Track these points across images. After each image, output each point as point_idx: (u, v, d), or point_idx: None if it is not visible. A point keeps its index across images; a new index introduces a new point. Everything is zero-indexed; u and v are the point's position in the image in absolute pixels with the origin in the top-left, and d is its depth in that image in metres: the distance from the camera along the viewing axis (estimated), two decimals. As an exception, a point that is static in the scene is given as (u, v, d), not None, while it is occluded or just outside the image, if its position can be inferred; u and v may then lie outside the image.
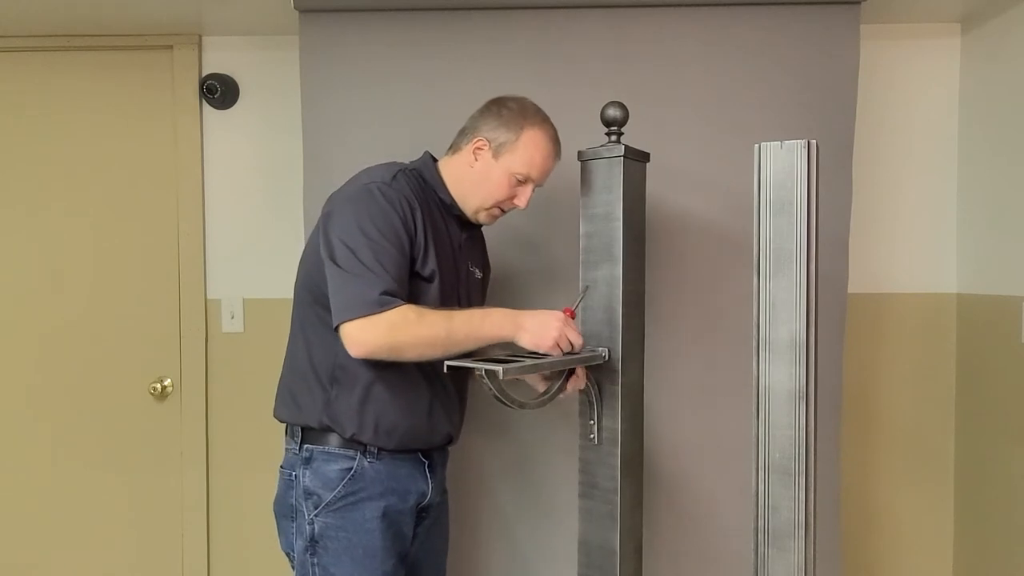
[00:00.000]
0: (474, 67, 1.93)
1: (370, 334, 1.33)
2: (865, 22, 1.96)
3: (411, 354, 1.37)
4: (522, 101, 1.54)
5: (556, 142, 1.55)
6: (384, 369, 1.45)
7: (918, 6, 2.05)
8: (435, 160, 1.58)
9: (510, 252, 1.93)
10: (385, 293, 1.34)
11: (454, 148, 1.57)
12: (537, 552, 1.98)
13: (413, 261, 1.44)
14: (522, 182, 1.52)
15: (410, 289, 1.42)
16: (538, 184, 1.55)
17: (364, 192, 1.43)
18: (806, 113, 1.90)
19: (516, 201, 1.54)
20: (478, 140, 1.52)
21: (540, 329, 1.40)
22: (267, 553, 2.19)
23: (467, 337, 1.38)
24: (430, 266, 1.46)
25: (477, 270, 1.65)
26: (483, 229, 1.66)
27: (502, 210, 1.56)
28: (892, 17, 2.12)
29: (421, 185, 1.52)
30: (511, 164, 1.50)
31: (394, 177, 1.47)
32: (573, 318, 1.46)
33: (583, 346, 1.47)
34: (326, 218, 1.44)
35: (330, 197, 1.49)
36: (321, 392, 1.47)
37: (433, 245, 1.47)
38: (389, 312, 1.33)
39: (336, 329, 1.36)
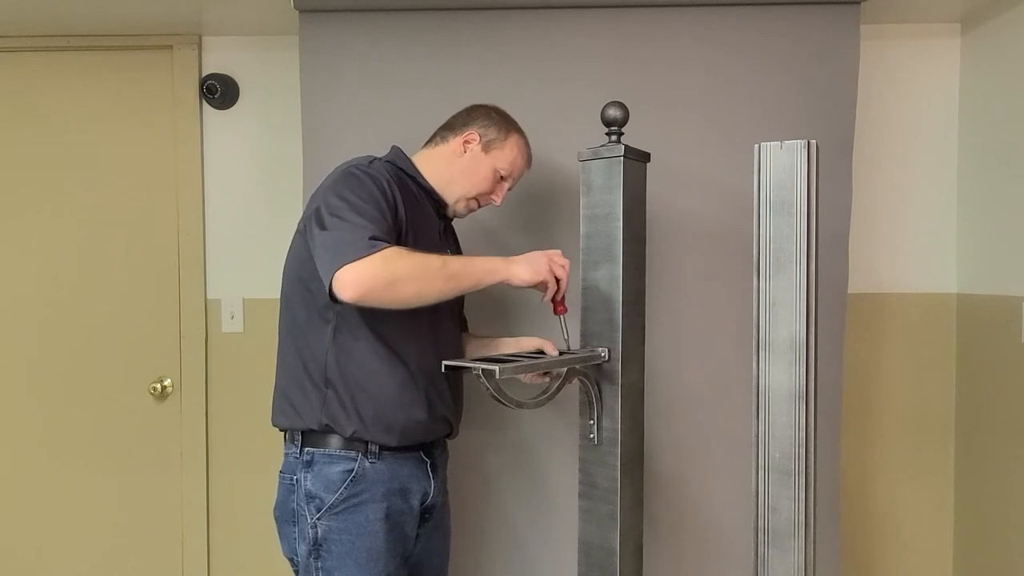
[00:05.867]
0: (474, 67, 1.93)
1: (364, 270, 1.29)
2: (865, 22, 1.96)
3: (409, 289, 1.33)
4: (502, 110, 1.65)
5: (531, 153, 1.68)
6: (378, 364, 1.45)
7: (918, 6, 2.05)
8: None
9: (509, 252, 1.93)
10: (374, 238, 1.33)
11: (438, 140, 1.63)
12: (538, 550, 1.98)
13: (398, 235, 1.44)
14: (503, 178, 1.62)
15: None
16: (511, 187, 1.65)
17: (344, 174, 1.47)
18: (806, 113, 1.90)
19: (493, 197, 1.63)
20: (469, 133, 1.60)
21: (531, 261, 1.47)
22: (267, 553, 2.19)
23: (461, 271, 1.40)
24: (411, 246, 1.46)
25: None
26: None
27: (479, 204, 1.63)
28: (892, 17, 2.12)
29: (397, 173, 1.55)
30: (498, 160, 1.60)
31: (370, 162, 1.51)
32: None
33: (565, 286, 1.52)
34: (315, 212, 1.42)
35: (312, 196, 1.50)
36: (317, 394, 1.46)
37: (414, 229, 1.48)
38: (381, 250, 1.31)
39: (329, 287, 1.32)
